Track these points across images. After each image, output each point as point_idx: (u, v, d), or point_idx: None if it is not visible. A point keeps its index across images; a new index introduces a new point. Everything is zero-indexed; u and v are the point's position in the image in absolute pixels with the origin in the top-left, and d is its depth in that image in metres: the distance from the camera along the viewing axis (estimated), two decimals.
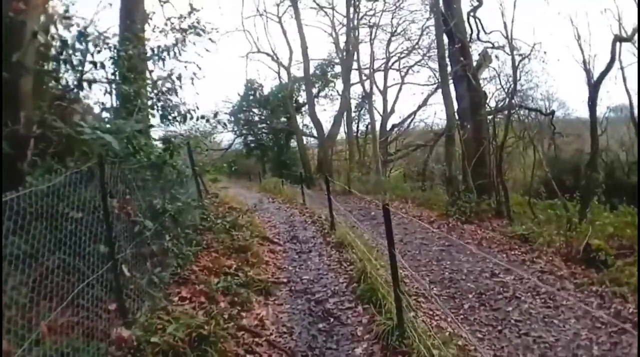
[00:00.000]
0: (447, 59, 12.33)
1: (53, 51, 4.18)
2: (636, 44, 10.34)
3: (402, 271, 5.69)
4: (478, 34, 15.25)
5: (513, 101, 13.26)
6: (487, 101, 13.84)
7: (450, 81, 12.39)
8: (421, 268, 6.16)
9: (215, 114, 5.35)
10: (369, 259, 5.19)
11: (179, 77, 4.75)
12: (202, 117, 5.18)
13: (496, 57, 14.61)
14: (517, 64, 12.28)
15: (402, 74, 22.68)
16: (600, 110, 12.98)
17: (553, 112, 15.67)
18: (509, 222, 9.84)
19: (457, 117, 11.95)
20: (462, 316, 4.71)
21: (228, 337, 3.47)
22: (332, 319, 4.14)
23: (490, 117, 13.59)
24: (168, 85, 4.61)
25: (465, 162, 10.57)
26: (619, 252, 6.60)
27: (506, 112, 14.63)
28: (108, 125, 3.29)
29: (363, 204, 12.03)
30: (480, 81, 13.92)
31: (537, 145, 15.46)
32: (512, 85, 12.68)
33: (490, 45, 15.13)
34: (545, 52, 19.40)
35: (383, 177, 15.75)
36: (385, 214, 3.48)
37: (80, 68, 4.29)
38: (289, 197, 13.20)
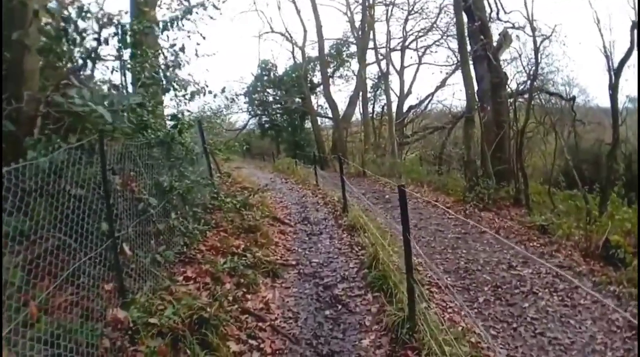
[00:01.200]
0: (467, 38, 11.67)
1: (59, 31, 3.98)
2: None
3: (415, 258, 5.48)
4: (497, 13, 14.46)
5: (535, 84, 12.56)
6: (508, 83, 13.20)
7: (470, 61, 11.77)
8: (435, 256, 5.90)
9: (223, 89, 5.08)
10: (381, 244, 4.96)
11: (182, 49, 4.46)
12: (210, 92, 4.94)
13: (517, 37, 13.82)
14: (538, 45, 11.58)
15: (420, 53, 21.77)
16: (620, 100, 11.99)
17: (574, 98, 14.79)
18: (527, 211, 9.43)
19: (476, 98, 11.36)
20: (476, 310, 4.46)
21: (231, 320, 3.33)
22: (340, 306, 3.96)
23: (510, 100, 13.00)
24: (171, 58, 4.32)
25: (484, 146, 10.06)
26: (636, 250, 6.21)
27: (527, 95, 13.94)
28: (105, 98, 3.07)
29: (377, 186, 11.73)
30: (500, 63, 13.22)
31: (546, 133, 14.74)
32: (533, 67, 12.02)
33: (510, 25, 14.42)
34: (565, 36, 18.42)
35: (398, 159, 15.33)
36: (400, 196, 3.21)
37: (85, 46, 4.09)
38: (302, 178, 12.99)
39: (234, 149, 9.16)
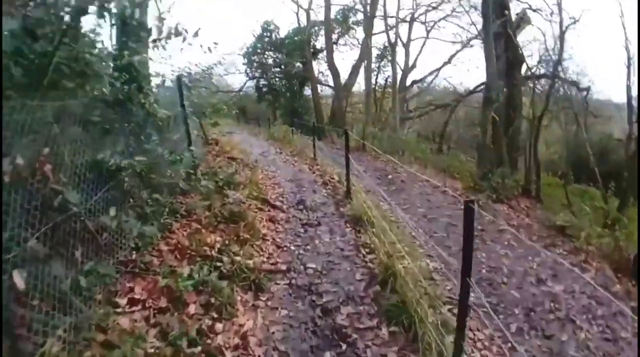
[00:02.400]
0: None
1: None
2: None
3: (429, 261, 4.39)
4: None
5: (558, 70, 11.21)
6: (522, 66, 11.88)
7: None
8: (451, 258, 4.77)
9: (216, 44, 3.59)
10: (392, 244, 3.79)
11: None
12: (196, 34, 3.46)
13: (546, 15, 12.42)
14: (564, 29, 10.19)
15: (428, 27, 19.80)
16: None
17: (589, 89, 13.43)
18: (539, 204, 8.37)
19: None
20: (509, 344, 3.38)
21: None
22: (344, 346, 2.80)
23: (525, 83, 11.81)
24: None
25: (500, 130, 8.77)
26: None
27: (543, 80, 12.72)
28: None
29: (378, 164, 10.45)
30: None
31: (565, 122, 13.63)
32: (548, 52, 10.80)
33: (528, 6, 13.04)
34: (583, 25, 17.06)
35: (401, 135, 13.95)
36: (466, 215, 1.98)
37: None
38: (298, 150, 11.57)
39: (223, 113, 7.64)
